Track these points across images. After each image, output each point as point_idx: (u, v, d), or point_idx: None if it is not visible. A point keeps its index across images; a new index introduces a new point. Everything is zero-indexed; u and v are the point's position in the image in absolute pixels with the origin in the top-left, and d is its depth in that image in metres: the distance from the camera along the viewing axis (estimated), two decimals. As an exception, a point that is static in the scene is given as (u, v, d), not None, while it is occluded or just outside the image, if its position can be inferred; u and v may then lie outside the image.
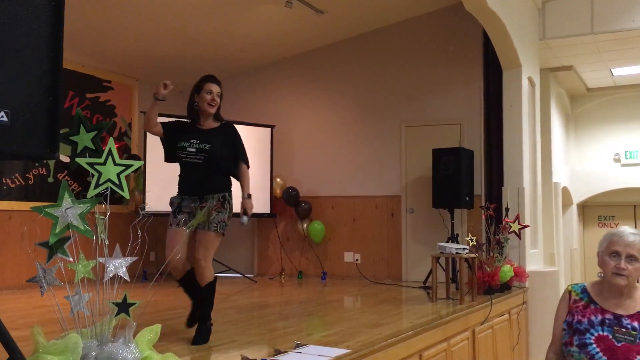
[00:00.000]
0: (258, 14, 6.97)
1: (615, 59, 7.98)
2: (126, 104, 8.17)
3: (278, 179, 8.05)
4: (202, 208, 3.55)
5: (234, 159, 3.74)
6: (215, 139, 3.66)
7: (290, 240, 8.21)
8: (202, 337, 3.49)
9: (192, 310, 3.77)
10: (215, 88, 3.72)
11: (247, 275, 7.77)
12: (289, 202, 7.91)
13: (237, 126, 8.37)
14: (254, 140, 7.99)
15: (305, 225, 7.93)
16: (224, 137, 3.72)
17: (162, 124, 3.73)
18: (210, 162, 3.60)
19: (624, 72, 8.66)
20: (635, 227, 9.40)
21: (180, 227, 3.57)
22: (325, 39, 8.02)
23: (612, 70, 8.56)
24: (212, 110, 3.72)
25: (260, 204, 7.87)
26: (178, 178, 3.72)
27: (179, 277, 3.71)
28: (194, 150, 3.60)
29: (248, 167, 3.80)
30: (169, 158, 3.77)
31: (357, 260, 7.75)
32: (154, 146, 7.25)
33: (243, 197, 3.64)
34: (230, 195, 3.67)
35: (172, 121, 3.84)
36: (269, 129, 8.03)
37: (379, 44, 7.88)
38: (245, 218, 3.58)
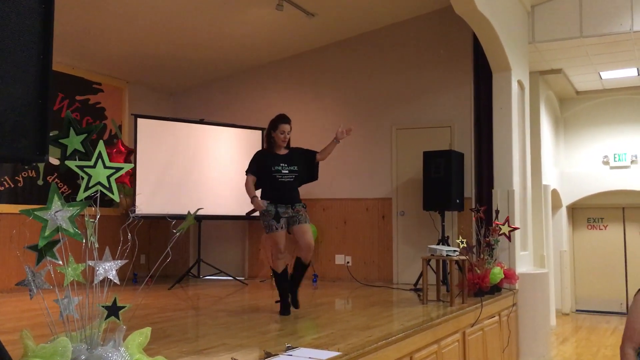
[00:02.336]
0: (249, 17, 6.97)
1: (603, 62, 8.05)
2: (116, 107, 8.14)
3: (269, 182, 8.05)
4: (297, 211, 4.71)
5: (311, 165, 4.93)
6: (297, 160, 4.82)
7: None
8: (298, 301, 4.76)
9: (284, 302, 4.70)
10: (287, 128, 4.82)
11: (238, 278, 7.76)
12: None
13: (226, 128, 8.39)
14: (244, 142, 7.99)
15: (296, 228, 7.93)
16: (300, 158, 4.86)
17: (253, 174, 4.83)
18: (298, 178, 4.80)
19: (613, 75, 8.74)
20: (624, 229, 9.34)
21: (284, 230, 4.69)
22: (316, 41, 8.03)
23: (601, 73, 8.63)
24: (284, 145, 4.85)
25: (251, 206, 7.86)
26: (266, 190, 4.77)
27: (280, 270, 4.74)
28: (287, 172, 4.74)
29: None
30: (261, 183, 4.81)
31: (348, 262, 7.76)
32: (144, 149, 7.25)
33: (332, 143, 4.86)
34: None
35: (255, 160, 4.87)
36: (259, 132, 8.03)
37: (370, 47, 7.91)
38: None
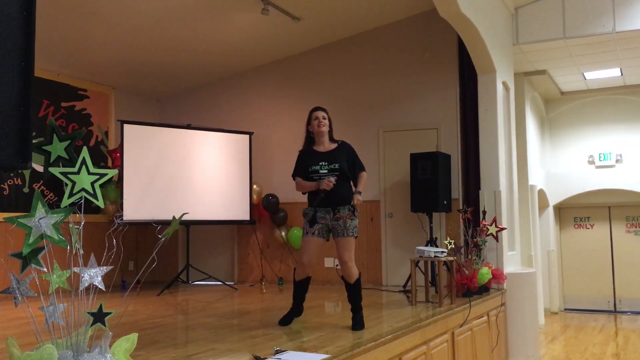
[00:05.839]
0: (235, 21, 6.97)
1: (587, 63, 8.13)
2: (102, 113, 8.11)
3: (255, 186, 8.04)
4: (336, 219, 4.20)
5: (354, 170, 4.35)
6: (340, 157, 4.26)
7: (270, 247, 8.20)
8: (359, 324, 4.09)
9: (290, 312, 4.38)
10: (320, 114, 4.32)
11: (227, 283, 7.74)
12: (268, 209, 7.90)
13: (213, 133, 8.37)
14: (231, 147, 7.99)
15: (283, 233, 7.93)
16: (346, 155, 4.32)
17: (298, 175, 4.34)
18: (340, 178, 4.20)
19: (596, 75, 8.82)
20: (610, 228, 9.40)
21: (315, 237, 4.22)
22: (302, 45, 8.05)
23: (585, 74, 8.71)
24: (324, 129, 4.30)
25: (239, 210, 7.86)
26: (307, 194, 4.30)
27: (300, 279, 4.35)
28: (325, 171, 4.21)
29: (364, 171, 4.43)
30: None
31: (337, 265, 7.73)
32: (131, 155, 7.23)
33: (354, 192, 4.28)
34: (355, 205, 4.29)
35: (297, 162, 4.39)
36: (247, 136, 8.03)
37: (355, 51, 7.93)
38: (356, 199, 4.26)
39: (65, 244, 2.00)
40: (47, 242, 1.98)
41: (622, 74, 8.75)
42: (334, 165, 4.21)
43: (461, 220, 6.20)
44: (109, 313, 2.07)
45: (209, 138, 7.85)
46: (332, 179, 4.12)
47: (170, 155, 7.54)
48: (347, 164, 4.29)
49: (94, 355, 2.03)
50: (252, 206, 7.98)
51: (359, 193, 4.28)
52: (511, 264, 6.79)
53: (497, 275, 6.12)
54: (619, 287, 10.06)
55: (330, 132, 4.36)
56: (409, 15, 7.55)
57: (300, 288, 4.40)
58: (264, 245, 8.19)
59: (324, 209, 4.21)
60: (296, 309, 4.43)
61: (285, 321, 4.34)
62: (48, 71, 7.31)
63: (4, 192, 6.81)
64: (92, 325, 2.05)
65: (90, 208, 2.08)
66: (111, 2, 6.14)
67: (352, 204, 4.24)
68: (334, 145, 4.34)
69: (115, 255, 2.22)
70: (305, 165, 4.28)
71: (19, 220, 1.94)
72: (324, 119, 4.31)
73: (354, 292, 4.24)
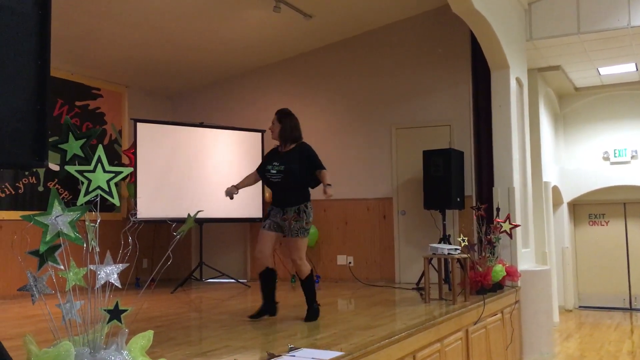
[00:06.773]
0: (247, 19, 6.98)
1: (601, 58, 8.05)
2: (116, 111, 8.15)
3: (268, 184, 8.06)
4: (283, 219, 4.41)
5: (310, 171, 4.45)
6: (289, 159, 4.42)
7: (282, 244, 8.20)
8: (312, 315, 4.35)
9: (261, 307, 4.50)
10: (272, 120, 4.56)
11: (240, 280, 7.76)
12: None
13: (225, 131, 8.39)
14: (243, 145, 8.00)
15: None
16: (298, 155, 4.45)
17: (258, 167, 4.68)
18: (285, 179, 4.38)
19: (611, 71, 8.73)
20: (625, 225, 9.33)
21: (266, 230, 4.47)
22: (314, 43, 8.04)
23: (599, 69, 8.63)
24: (273, 136, 4.55)
25: (252, 208, 7.88)
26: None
27: (260, 271, 4.55)
28: (275, 171, 4.41)
29: (324, 169, 4.49)
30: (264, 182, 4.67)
31: (350, 262, 7.76)
32: (144, 153, 7.26)
33: (324, 185, 4.39)
34: (306, 206, 4.43)
35: (266, 154, 4.67)
36: (259, 134, 8.04)
37: (368, 47, 7.91)
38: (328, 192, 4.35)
39: (81, 241, 2.01)
40: (64, 239, 1.99)
41: (637, 69, 8.66)
42: (282, 167, 4.40)
43: (474, 217, 6.17)
44: (125, 310, 2.09)
45: (221, 136, 7.88)
46: (229, 197, 4.57)
47: (182, 153, 7.57)
48: (300, 164, 4.41)
49: (110, 352, 2.04)
50: (265, 204, 7.99)
51: (329, 185, 4.36)
52: (525, 262, 6.75)
53: (511, 273, 6.08)
54: (634, 284, 9.97)
55: (286, 134, 4.48)
56: (421, 11, 7.52)
57: (263, 281, 4.54)
58: (276, 243, 8.18)
59: (276, 208, 4.46)
60: (266, 305, 4.51)
61: (254, 316, 4.45)
62: (62, 70, 7.36)
63: (19, 190, 6.87)
64: (108, 322, 2.07)
65: (104, 206, 2.09)
66: (124, 1, 6.17)
67: (325, 197, 4.37)
68: (292, 146, 4.52)
69: (131, 253, 2.23)
70: (264, 163, 4.56)
71: (36, 218, 1.95)
72: (272, 123, 4.54)
73: (306, 287, 4.46)
